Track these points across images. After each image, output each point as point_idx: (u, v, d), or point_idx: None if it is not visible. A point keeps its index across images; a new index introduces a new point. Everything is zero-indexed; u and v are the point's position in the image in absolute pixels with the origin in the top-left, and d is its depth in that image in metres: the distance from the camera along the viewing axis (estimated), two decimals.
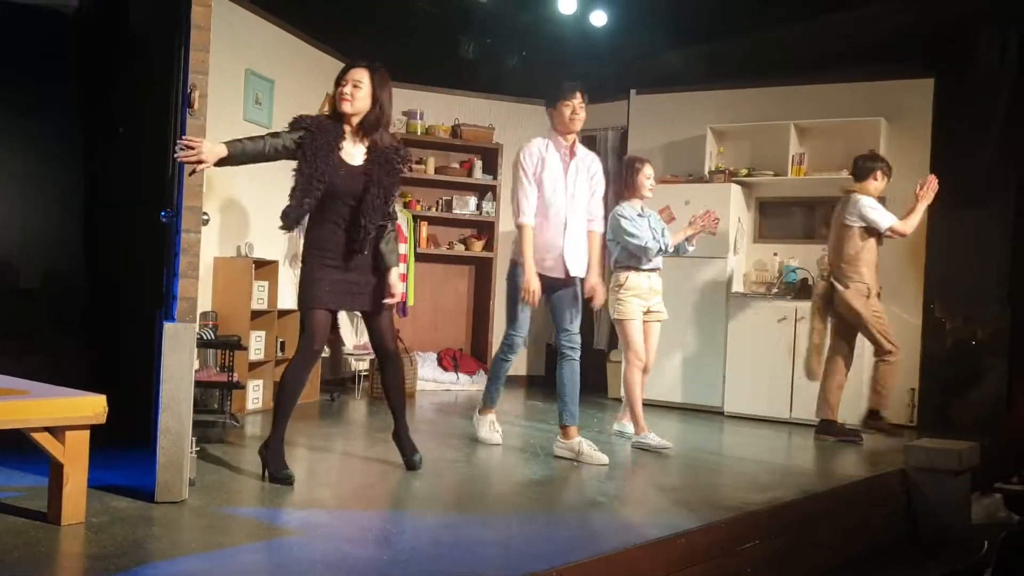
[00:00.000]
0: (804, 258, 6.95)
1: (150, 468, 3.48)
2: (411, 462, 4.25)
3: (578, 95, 4.69)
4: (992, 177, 6.77)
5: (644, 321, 5.41)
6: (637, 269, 5.36)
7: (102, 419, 3.15)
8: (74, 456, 3.12)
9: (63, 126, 5.89)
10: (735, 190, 7.01)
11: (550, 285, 4.75)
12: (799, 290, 6.72)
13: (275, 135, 3.82)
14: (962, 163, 6.64)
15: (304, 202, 3.79)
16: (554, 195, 4.70)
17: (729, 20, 7.46)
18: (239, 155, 3.69)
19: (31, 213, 5.79)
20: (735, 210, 7.00)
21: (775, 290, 6.88)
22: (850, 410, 6.28)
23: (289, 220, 3.83)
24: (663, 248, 5.37)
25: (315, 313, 3.90)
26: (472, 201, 7.92)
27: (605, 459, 4.68)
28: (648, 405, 7.12)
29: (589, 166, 4.85)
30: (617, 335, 5.59)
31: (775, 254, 7.09)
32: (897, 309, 6.69)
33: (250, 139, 3.78)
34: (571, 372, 4.75)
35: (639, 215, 5.40)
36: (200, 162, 3.43)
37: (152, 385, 5.27)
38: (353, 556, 2.93)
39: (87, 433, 3.16)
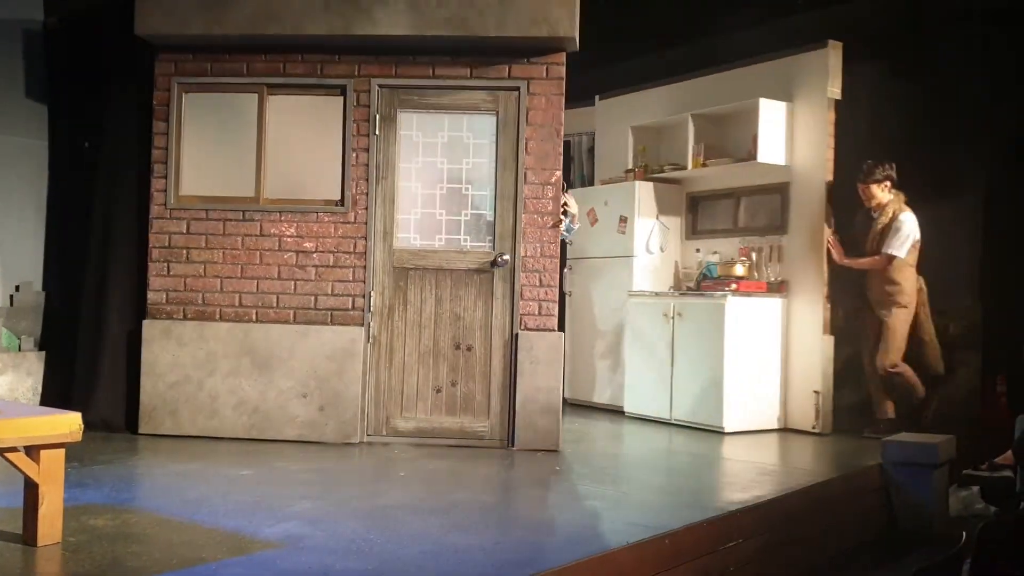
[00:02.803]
0: (729, 252, 6.72)
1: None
2: None
3: None
4: (962, 172, 6.85)
5: None
6: None
7: (78, 437, 3.10)
8: (49, 475, 3.07)
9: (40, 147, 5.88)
10: (642, 187, 6.94)
11: None
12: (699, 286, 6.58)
13: None
14: (932, 157, 6.70)
15: None
16: None
17: (695, 25, 7.55)
18: None
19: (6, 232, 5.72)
20: (645, 208, 6.94)
21: (686, 287, 6.74)
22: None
23: None
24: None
25: None
26: None
27: None
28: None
29: None
30: None
31: (697, 250, 6.94)
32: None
33: None
34: None
35: None
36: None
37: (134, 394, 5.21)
38: (337, 568, 2.91)
39: (62, 452, 3.12)
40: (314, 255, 5.41)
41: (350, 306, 5.38)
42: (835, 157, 6.23)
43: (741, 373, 6.11)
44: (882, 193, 5.92)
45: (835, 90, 6.17)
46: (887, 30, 6.76)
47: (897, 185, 5.98)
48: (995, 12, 6.38)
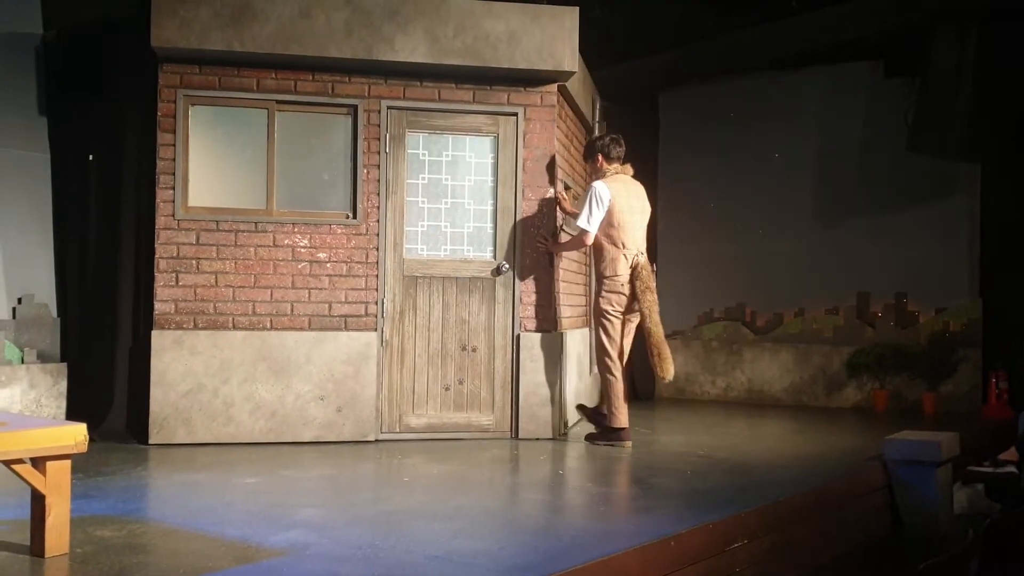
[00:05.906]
0: None
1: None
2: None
3: None
4: (957, 168, 6.85)
5: None
6: None
7: (83, 448, 3.11)
8: (56, 487, 3.07)
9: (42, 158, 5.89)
10: None
11: None
12: None
13: None
14: (926, 154, 6.71)
15: None
16: None
17: (693, 26, 7.57)
18: None
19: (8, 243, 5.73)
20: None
21: None
22: None
23: None
24: None
25: None
26: None
27: None
28: None
29: None
30: None
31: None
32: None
33: None
34: None
35: None
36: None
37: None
38: (343, 575, 2.92)
39: (68, 463, 3.12)
40: (328, 265, 5.59)
41: (363, 312, 5.62)
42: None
43: None
44: (599, 168, 5.55)
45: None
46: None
47: (612, 156, 5.51)
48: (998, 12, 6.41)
